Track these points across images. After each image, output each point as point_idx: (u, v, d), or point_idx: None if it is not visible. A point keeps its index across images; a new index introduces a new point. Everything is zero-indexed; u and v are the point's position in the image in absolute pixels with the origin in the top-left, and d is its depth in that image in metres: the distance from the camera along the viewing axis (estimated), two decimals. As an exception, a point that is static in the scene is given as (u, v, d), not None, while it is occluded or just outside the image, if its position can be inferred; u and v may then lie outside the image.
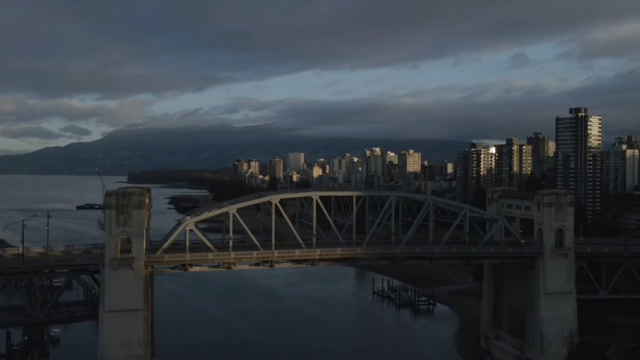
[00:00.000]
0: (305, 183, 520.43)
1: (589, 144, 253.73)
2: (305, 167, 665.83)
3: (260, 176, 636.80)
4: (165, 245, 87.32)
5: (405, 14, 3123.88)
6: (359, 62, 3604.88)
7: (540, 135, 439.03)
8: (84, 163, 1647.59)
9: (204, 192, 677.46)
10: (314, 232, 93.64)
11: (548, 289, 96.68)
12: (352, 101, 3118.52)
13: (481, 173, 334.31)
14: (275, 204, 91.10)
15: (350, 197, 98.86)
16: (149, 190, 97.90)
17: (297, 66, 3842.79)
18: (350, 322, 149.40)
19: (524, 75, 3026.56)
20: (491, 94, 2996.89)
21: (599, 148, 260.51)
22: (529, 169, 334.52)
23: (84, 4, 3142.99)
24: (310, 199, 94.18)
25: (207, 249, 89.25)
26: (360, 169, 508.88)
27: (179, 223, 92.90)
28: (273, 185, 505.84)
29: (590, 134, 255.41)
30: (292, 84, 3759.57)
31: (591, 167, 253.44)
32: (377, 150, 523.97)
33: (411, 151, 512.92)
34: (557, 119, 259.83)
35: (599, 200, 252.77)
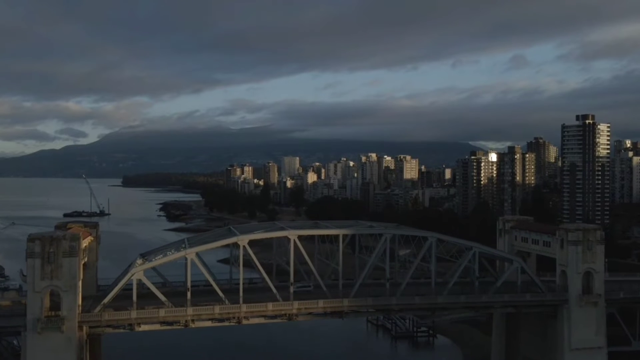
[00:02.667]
0: (299, 189, 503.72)
1: (597, 153, 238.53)
2: (300, 172, 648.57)
3: (255, 180, 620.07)
4: (107, 299, 70.87)
5: (404, 15, 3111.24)
6: (357, 63, 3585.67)
7: (541, 140, 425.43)
8: (80, 166, 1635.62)
9: (196, 197, 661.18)
10: (291, 279, 77.26)
11: (574, 344, 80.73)
12: (350, 103, 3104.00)
13: (482, 182, 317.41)
14: (244, 246, 74.60)
15: (337, 235, 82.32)
16: (95, 226, 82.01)
17: (295, 68, 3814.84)
18: (340, 357, 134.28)
19: (523, 77, 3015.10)
20: (489, 96, 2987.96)
21: (607, 157, 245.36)
22: (532, 178, 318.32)
23: (81, 6, 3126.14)
24: (287, 238, 77.44)
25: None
26: (355, 174, 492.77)
27: (127, 269, 76.44)
28: (266, 192, 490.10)
29: (599, 142, 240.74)
30: (289, 85, 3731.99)
31: (599, 177, 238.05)
32: (373, 156, 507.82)
33: (408, 157, 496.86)
34: (563, 127, 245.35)
35: (607, 212, 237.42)
